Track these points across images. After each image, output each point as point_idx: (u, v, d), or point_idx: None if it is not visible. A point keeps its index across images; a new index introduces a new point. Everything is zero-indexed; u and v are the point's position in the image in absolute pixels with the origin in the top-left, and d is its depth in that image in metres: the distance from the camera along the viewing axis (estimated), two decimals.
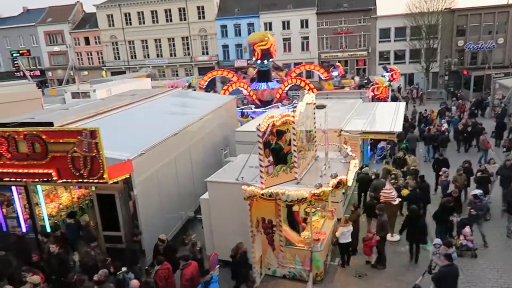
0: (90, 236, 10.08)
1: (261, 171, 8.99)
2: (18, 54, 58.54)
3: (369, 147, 19.20)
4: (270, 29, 47.42)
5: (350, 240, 10.45)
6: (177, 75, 51.80)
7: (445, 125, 21.68)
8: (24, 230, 11.05)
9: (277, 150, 9.07)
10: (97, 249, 9.43)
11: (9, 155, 9.04)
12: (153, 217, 10.76)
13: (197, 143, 14.02)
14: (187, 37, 51.46)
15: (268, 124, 8.71)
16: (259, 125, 8.67)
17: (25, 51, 58.43)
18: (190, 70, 52.16)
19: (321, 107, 14.90)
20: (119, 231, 10.09)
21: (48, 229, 10.96)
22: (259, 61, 27.11)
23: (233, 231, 10.16)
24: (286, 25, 47.98)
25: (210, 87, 28.48)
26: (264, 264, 10.37)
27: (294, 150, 9.26)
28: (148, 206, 10.49)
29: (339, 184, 9.12)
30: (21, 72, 52.66)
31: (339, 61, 43.06)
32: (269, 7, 48.23)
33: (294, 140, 9.19)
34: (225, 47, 50.60)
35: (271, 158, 9.02)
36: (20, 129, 9.08)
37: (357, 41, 46.53)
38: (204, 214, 10.90)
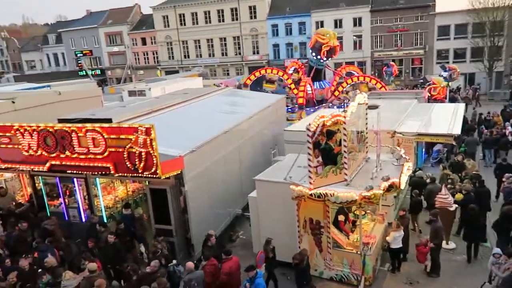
0: (143, 228, 10.51)
1: (309, 171, 8.89)
2: (82, 54, 62.56)
3: (423, 150, 18.35)
4: (322, 27, 46.81)
5: (401, 245, 10.07)
6: (228, 74, 52.70)
7: (510, 128, 20.19)
8: (83, 219, 11.75)
9: (327, 150, 8.93)
10: (163, 242, 9.70)
11: (72, 149, 9.65)
12: (202, 213, 11.02)
13: (246, 141, 14.16)
14: (238, 37, 52.15)
15: (318, 124, 8.59)
16: (309, 125, 8.58)
17: (88, 52, 62.33)
18: (240, 70, 52.83)
19: (374, 107, 14.46)
20: (170, 225, 10.43)
21: (105, 220, 11.55)
22: (315, 58, 26.52)
23: (280, 230, 10.15)
24: (338, 23, 47.06)
25: (256, 86, 28.55)
26: (311, 265, 10.25)
27: (345, 151, 9.06)
28: (198, 201, 10.75)
29: (391, 187, 8.81)
30: (84, 71, 56.17)
31: (393, 60, 41.59)
32: (321, 5, 47.57)
33: (345, 140, 9.00)
34: (276, 46, 50.66)
35: (320, 158, 8.89)
36: (83, 124, 9.66)
37: (413, 39, 44.62)
38: (252, 212, 10.98)
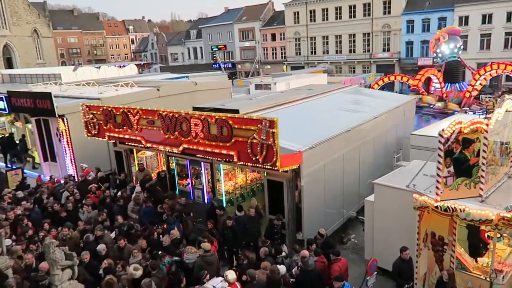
0: (259, 216, 10.90)
1: (437, 181, 8.11)
2: (217, 49, 67.70)
3: None
4: (466, 23, 42.10)
5: None
6: (354, 71, 51.24)
7: None
8: (205, 201, 12.77)
9: (461, 160, 8.02)
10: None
11: (202, 135, 10.53)
12: (315, 210, 10.99)
13: (368, 142, 13.61)
14: (368, 33, 50.19)
15: (454, 131, 7.76)
16: (443, 130, 7.81)
17: (222, 46, 67.14)
18: (368, 67, 50.87)
19: None
20: (283, 217, 10.63)
21: (224, 204, 12.36)
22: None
23: (396, 240, 9.52)
24: (487, 19, 41.71)
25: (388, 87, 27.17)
26: (428, 283, 9.40)
27: (483, 163, 8.02)
28: (312, 198, 10.75)
29: None
30: (218, 65, 60.65)
31: None
32: None
33: (485, 151, 7.96)
34: (409, 44, 47.34)
35: (452, 168, 8.04)
36: (213, 113, 10.45)
37: None
38: (367, 216, 10.55)
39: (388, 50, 49.15)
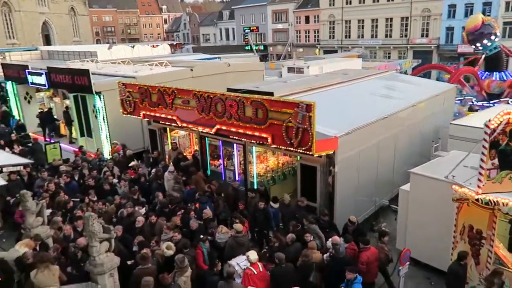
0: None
1: (480, 174, 7.81)
2: (249, 30, 67.16)
3: None
4: None
5: None
6: (389, 57, 49.72)
7: None
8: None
9: (507, 153, 7.67)
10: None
11: (237, 116, 10.51)
12: (348, 196, 10.86)
13: (404, 130, 13.24)
14: (407, 18, 48.35)
15: (501, 121, 7.40)
16: (489, 121, 7.46)
17: (255, 28, 66.52)
18: (404, 53, 49.22)
19: None
20: (315, 203, 10.59)
21: (255, 186, 12.40)
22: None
23: (431, 231, 9.35)
24: None
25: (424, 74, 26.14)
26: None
27: None
28: (345, 184, 10.62)
29: None
30: (249, 46, 60.28)
31: None
32: None
33: None
34: (450, 29, 45.29)
35: (496, 161, 7.71)
36: (249, 95, 10.40)
37: None
38: (401, 206, 10.34)
39: (427, 35, 47.24)
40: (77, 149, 16.45)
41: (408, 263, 8.83)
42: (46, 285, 7.30)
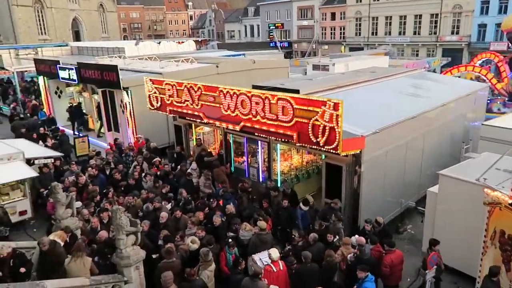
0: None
1: None
2: (274, 27, 66.94)
3: None
4: None
5: None
6: (416, 55, 48.57)
7: None
8: (260, 180, 12.83)
9: None
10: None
11: (263, 114, 10.48)
12: (374, 197, 10.70)
13: (433, 130, 12.90)
14: (436, 14, 47.07)
15: None
16: None
17: (279, 24, 66.24)
18: (433, 51, 47.96)
19: None
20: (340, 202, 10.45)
21: (279, 184, 12.35)
22: None
23: (459, 235, 9.10)
24: None
25: None
26: None
27: None
28: (371, 185, 10.45)
29: None
30: (274, 43, 60.04)
31: None
32: None
33: None
34: (482, 26, 43.82)
35: None
36: (275, 92, 10.34)
37: None
38: (429, 208, 10.10)
39: (457, 33, 45.86)
40: (110, 144, 16.78)
41: (435, 267, 8.61)
42: (77, 275, 7.53)
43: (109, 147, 16.33)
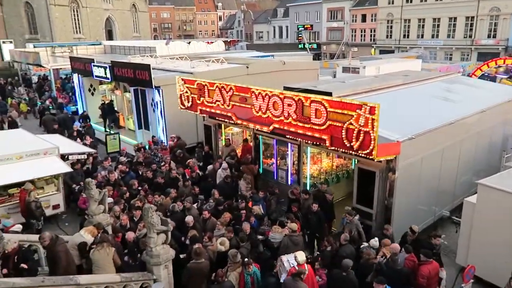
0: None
1: None
2: (303, 28, 66.50)
3: None
4: None
5: None
6: (450, 59, 47.12)
7: None
8: (289, 182, 12.68)
9: None
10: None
11: (295, 116, 10.33)
12: (406, 204, 10.36)
13: (471, 138, 12.40)
14: (472, 17, 45.54)
15: None
16: None
17: (309, 26, 65.74)
18: (467, 55, 46.43)
19: None
20: (371, 209, 10.20)
21: (308, 187, 12.18)
22: None
23: (498, 247, 8.69)
24: None
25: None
26: None
27: None
28: (405, 192, 10.11)
29: None
30: (303, 45, 59.62)
31: None
32: None
33: None
34: None
35: None
36: (308, 95, 10.17)
37: None
38: (465, 218, 9.67)
39: (494, 36, 44.22)
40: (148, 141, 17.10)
41: (472, 280, 8.27)
42: (100, 265, 7.72)
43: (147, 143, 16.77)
